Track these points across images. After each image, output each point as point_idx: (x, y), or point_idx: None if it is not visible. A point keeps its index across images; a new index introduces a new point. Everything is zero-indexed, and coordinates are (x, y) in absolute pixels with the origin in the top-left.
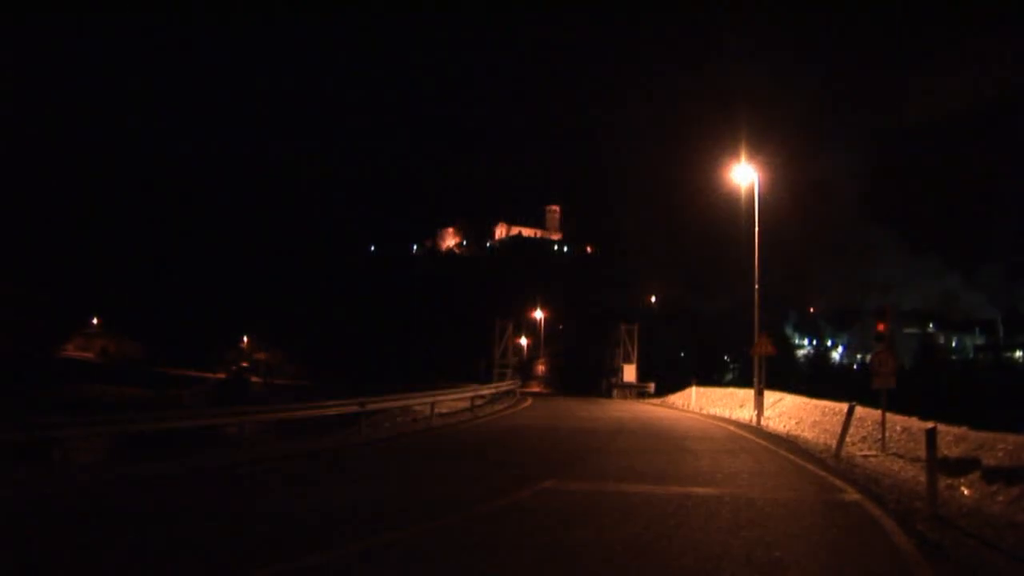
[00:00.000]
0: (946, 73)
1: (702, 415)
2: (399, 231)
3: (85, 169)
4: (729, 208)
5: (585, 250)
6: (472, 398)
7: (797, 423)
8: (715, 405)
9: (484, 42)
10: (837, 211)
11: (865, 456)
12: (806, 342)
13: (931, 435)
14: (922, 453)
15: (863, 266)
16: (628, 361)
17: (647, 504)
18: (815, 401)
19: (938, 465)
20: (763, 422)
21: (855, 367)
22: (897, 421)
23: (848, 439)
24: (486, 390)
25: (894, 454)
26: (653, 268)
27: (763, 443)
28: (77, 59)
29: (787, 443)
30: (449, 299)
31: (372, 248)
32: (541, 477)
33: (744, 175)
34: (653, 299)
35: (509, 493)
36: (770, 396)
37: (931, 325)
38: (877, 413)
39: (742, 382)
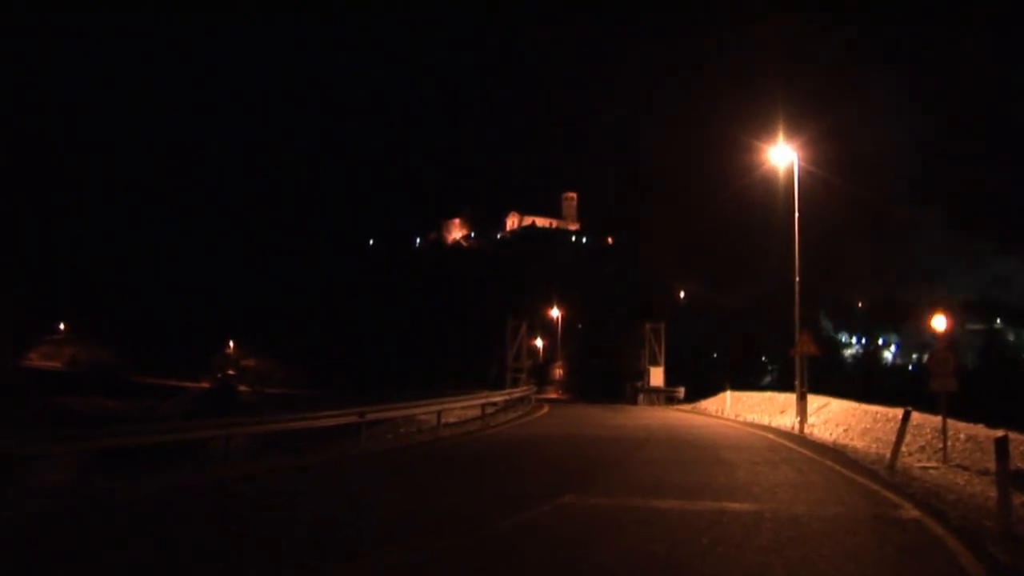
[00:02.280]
0: (990, 42)
1: (738, 422)
2: (400, 223)
3: (48, 161)
4: (755, 195)
5: (605, 241)
6: (483, 405)
7: (845, 431)
8: (752, 411)
9: (492, 29)
10: (877, 193)
11: (924, 468)
12: (853, 340)
13: (1002, 444)
14: (990, 464)
15: (906, 252)
16: (654, 363)
17: (677, 521)
18: (865, 406)
19: (1011, 478)
20: (806, 430)
21: (910, 367)
22: (960, 428)
23: (904, 448)
24: (498, 397)
25: (957, 466)
26: (678, 261)
27: (807, 453)
28: (73, 56)
29: (834, 453)
30: (456, 296)
31: (371, 242)
32: (559, 491)
33: (782, 156)
34: (681, 294)
35: (523, 509)
36: (814, 401)
37: (998, 320)
38: (936, 419)
39: (782, 385)
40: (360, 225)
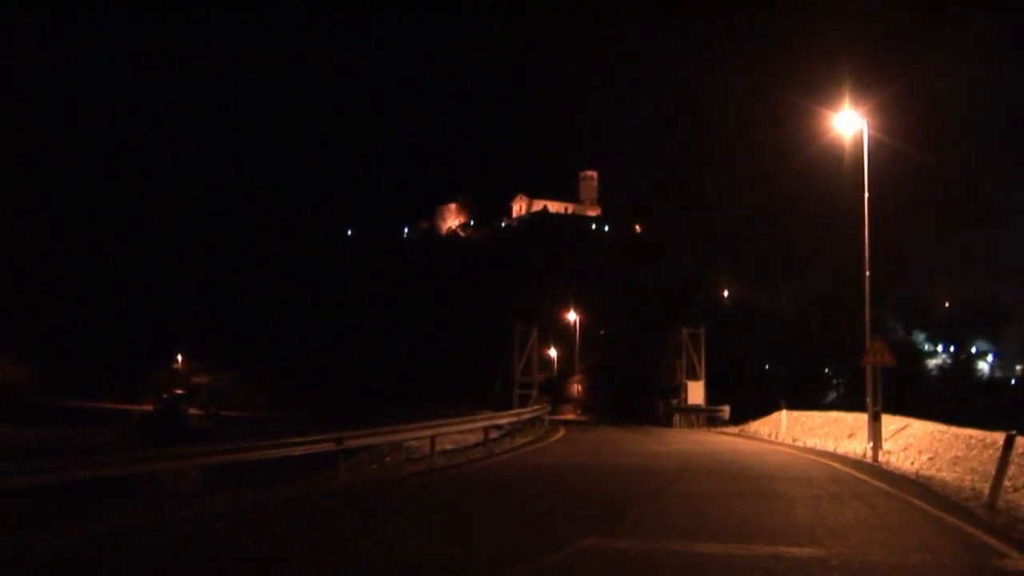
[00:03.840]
0: None
1: (796, 448)
2: (385, 210)
3: None
4: (811, 175)
5: (631, 230)
6: (486, 428)
7: (930, 459)
8: (813, 435)
9: None
10: (962, 168)
11: None
12: (939, 348)
13: None
14: None
15: (1001, 240)
16: (693, 376)
17: (723, 569)
18: (955, 429)
19: None
20: (881, 457)
21: (1012, 381)
22: None
23: (1007, 483)
24: (504, 419)
25: None
26: (718, 253)
27: (882, 486)
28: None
29: (916, 486)
30: (452, 297)
31: (348, 233)
32: (578, 533)
33: (847, 124)
34: (725, 293)
35: (534, 555)
36: (890, 422)
37: None
38: None
39: (850, 403)
40: (336, 212)
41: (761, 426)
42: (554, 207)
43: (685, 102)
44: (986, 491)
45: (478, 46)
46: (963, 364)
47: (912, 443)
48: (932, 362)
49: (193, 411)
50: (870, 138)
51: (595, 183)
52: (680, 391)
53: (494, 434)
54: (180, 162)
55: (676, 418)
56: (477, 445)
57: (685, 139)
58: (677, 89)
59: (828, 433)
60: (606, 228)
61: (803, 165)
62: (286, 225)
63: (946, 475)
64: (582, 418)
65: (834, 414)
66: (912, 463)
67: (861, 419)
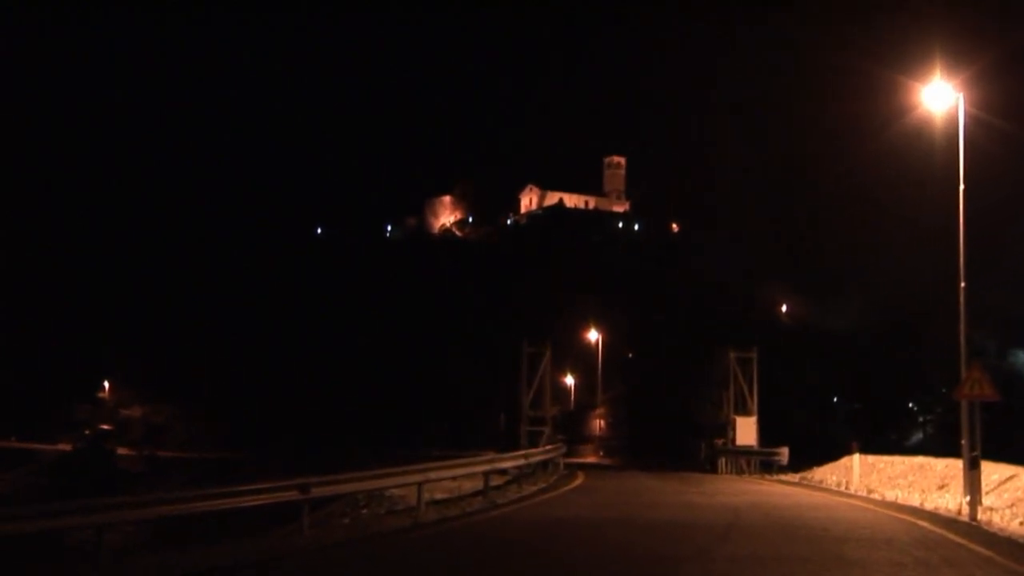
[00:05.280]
0: None
1: (871, 501)
2: (364, 204)
3: None
4: (881, 165)
5: (667, 229)
6: (486, 474)
7: None
8: (894, 485)
9: None
10: None
11: None
12: None
13: None
14: None
15: None
16: (743, 411)
17: None
18: None
19: None
20: (981, 515)
21: None
22: None
23: None
24: (508, 461)
25: None
26: (772, 259)
27: (982, 551)
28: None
29: None
30: (445, 309)
31: (319, 231)
32: None
33: (937, 98)
34: (784, 308)
35: None
36: (993, 471)
37: None
38: None
39: (940, 446)
40: (303, 208)
41: (828, 473)
42: (572, 200)
43: (734, 77)
44: None
45: (479, 16)
46: None
47: (1021, 498)
48: None
49: (122, 451)
50: (966, 115)
51: (623, 172)
52: (727, 429)
53: (497, 480)
54: (107, 160)
55: (722, 462)
56: (476, 494)
57: (733, 122)
58: (724, 60)
59: (913, 483)
60: (636, 227)
61: (880, 150)
62: (240, 223)
63: None
64: (605, 461)
65: (920, 460)
66: (1022, 523)
67: (955, 466)
